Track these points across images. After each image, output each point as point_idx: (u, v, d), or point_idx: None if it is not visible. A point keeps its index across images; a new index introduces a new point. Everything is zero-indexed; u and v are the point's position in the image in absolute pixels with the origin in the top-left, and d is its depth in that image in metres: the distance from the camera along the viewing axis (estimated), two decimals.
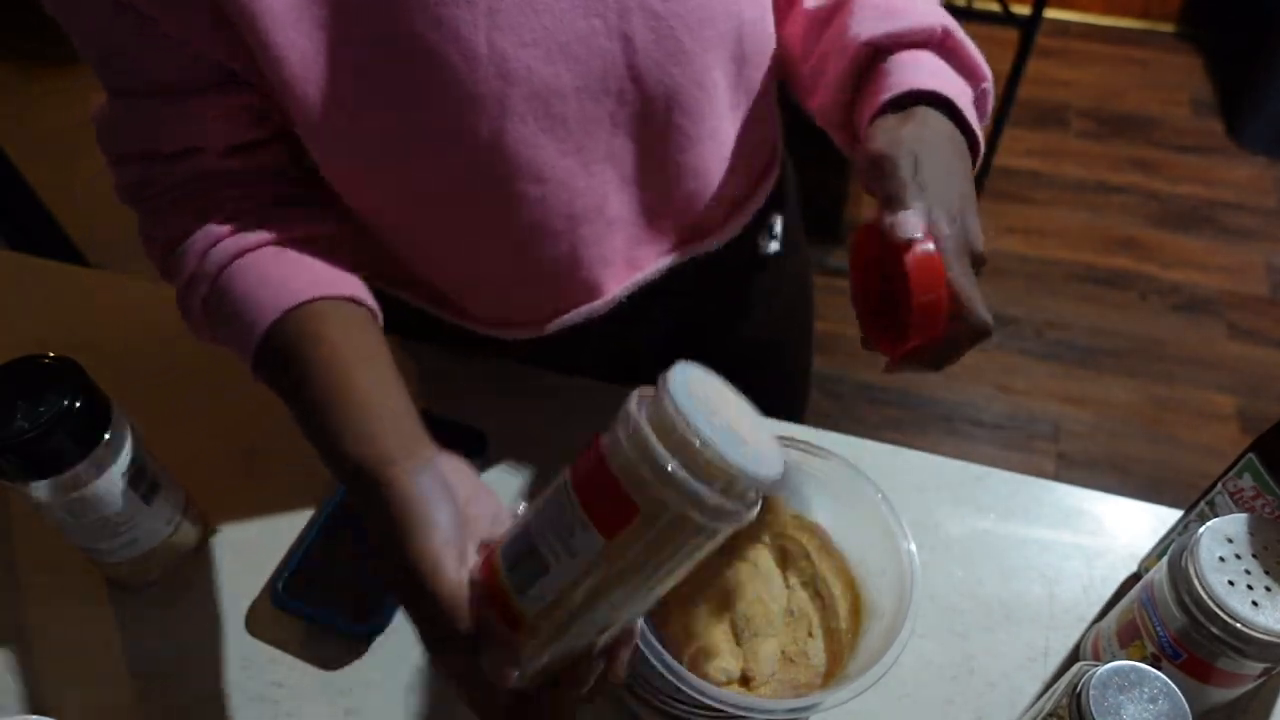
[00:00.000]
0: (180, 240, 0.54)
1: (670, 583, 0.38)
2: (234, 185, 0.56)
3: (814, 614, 0.58)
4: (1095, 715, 0.44)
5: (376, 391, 0.48)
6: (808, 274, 0.88)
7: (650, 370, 0.38)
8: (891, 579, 0.54)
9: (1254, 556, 0.49)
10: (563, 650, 0.39)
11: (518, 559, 0.38)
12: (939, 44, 0.55)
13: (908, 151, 0.48)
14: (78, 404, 0.54)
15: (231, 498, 0.69)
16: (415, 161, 0.54)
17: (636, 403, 0.36)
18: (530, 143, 0.54)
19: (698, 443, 0.33)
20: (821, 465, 0.58)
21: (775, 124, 0.72)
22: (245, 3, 0.46)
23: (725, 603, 0.57)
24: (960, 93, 0.54)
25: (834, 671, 0.55)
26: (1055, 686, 0.50)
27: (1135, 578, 0.64)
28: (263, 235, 0.54)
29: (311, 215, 0.57)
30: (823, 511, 0.60)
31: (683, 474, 0.33)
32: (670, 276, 0.68)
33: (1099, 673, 0.45)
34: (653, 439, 0.34)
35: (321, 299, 0.52)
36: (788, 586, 0.59)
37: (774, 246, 0.77)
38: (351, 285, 0.54)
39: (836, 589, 0.58)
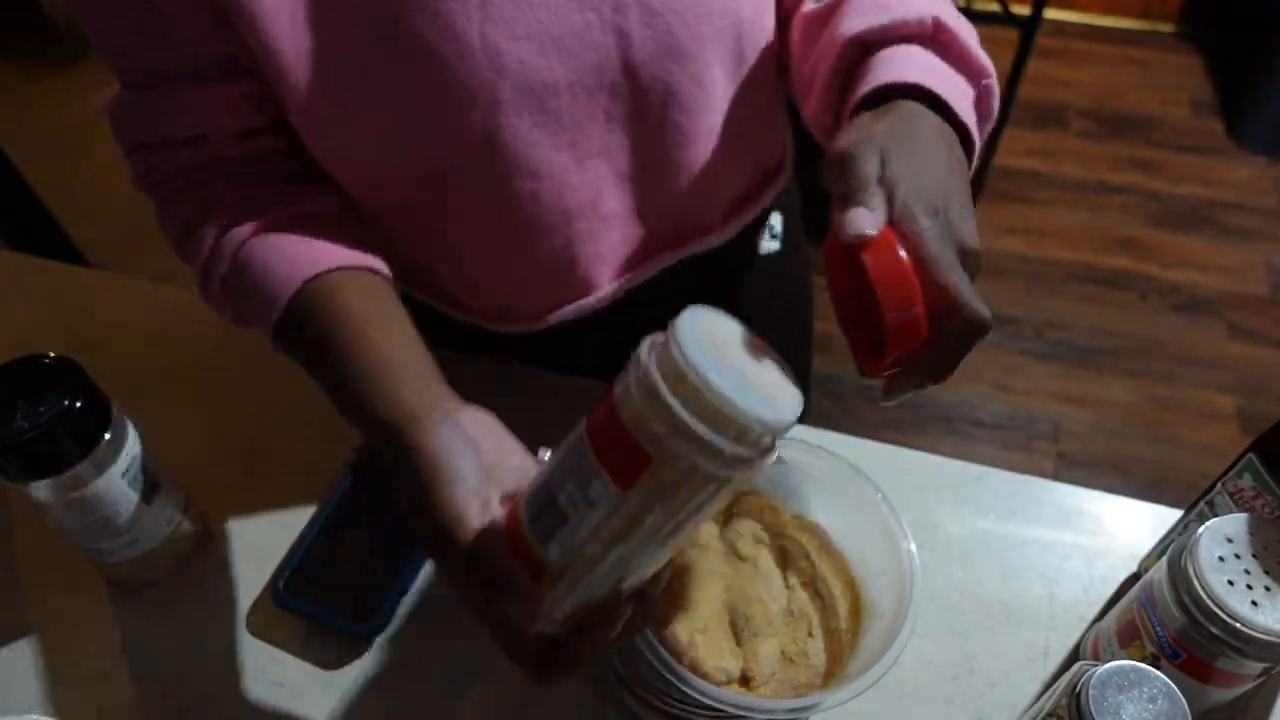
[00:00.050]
0: (196, 223, 0.55)
1: (691, 528, 0.37)
2: (246, 166, 0.56)
3: (814, 614, 0.58)
4: (1095, 715, 0.44)
5: (398, 352, 0.49)
6: (807, 274, 0.88)
7: None
8: (891, 579, 0.54)
9: (1254, 556, 0.49)
10: (584, 598, 0.39)
11: (540, 510, 0.38)
12: (930, 38, 0.51)
13: (874, 148, 0.44)
14: (78, 404, 0.54)
15: (231, 498, 0.69)
16: (411, 155, 0.54)
17: (648, 350, 0.35)
18: (524, 137, 0.54)
19: (707, 392, 0.32)
20: (821, 465, 0.58)
21: (784, 127, 0.71)
22: (246, 2, 0.47)
23: (725, 603, 0.57)
24: (951, 87, 0.49)
25: (834, 671, 0.55)
26: (1055, 686, 0.50)
27: (1135, 578, 0.64)
28: (277, 212, 0.54)
29: (325, 190, 0.58)
30: (823, 511, 0.60)
31: (694, 424, 0.32)
32: (669, 275, 0.68)
33: (1099, 672, 0.45)
34: (663, 389, 0.33)
35: (339, 269, 0.53)
36: (788, 586, 0.59)
37: (774, 246, 0.77)
38: (368, 257, 0.55)
39: (836, 589, 0.58)
